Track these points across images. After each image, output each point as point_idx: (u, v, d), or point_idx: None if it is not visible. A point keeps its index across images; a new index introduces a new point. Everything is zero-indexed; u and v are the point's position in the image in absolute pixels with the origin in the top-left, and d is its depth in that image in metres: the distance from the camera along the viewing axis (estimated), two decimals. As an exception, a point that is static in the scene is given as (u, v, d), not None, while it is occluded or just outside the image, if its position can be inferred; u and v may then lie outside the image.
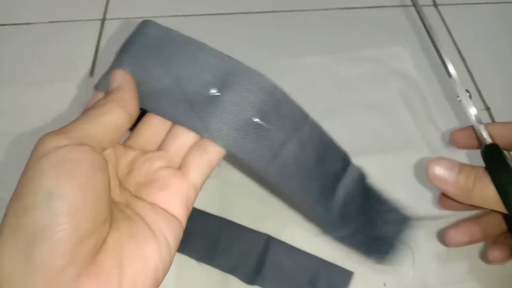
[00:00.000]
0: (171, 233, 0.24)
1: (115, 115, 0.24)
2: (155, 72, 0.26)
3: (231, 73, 0.25)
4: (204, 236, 0.32)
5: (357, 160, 0.37)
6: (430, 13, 0.49)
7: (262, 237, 0.32)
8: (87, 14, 0.46)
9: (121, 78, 0.25)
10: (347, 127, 0.39)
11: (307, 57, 0.44)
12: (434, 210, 0.35)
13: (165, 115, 0.26)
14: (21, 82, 0.41)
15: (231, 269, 0.31)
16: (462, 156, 0.38)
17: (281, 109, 0.26)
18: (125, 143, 0.27)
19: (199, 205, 0.34)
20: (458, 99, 0.32)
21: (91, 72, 0.42)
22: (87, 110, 0.24)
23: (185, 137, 0.26)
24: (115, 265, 0.21)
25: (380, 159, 0.37)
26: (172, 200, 0.25)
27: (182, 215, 0.25)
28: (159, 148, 0.27)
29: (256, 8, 0.49)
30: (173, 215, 0.24)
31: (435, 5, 0.50)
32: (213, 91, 0.25)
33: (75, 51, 0.43)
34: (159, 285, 0.23)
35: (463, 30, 0.48)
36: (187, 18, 0.47)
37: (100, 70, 0.42)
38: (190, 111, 0.25)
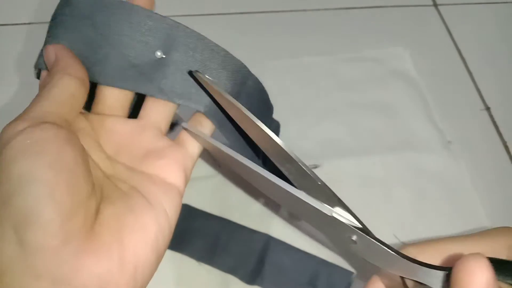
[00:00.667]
0: (169, 202, 0.24)
1: (65, 84, 0.23)
2: (94, 42, 0.25)
3: (170, 33, 0.25)
4: (204, 236, 0.32)
5: (357, 160, 0.37)
6: (430, 13, 0.49)
7: (262, 237, 0.32)
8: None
9: (54, 50, 0.25)
10: (347, 127, 0.39)
11: (307, 57, 0.44)
12: (434, 210, 0.35)
13: (114, 84, 0.25)
14: (21, 82, 0.41)
15: (231, 269, 0.31)
16: (463, 157, 0.38)
17: (227, 65, 0.26)
18: (93, 109, 0.26)
19: (199, 205, 0.34)
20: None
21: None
22: (38, 93, 0.23)
23: (165, 102, 0.26)
24: (115, 239, 0.21)
25: (380, 159, 0.37)
26: (170, 168, 0.25)
27: (180, 182, 0.25)
28: (140, 115, 0.26)
29: (256, 8, 0.49)
30: (171, 183, 0.25)
31: (435, 5, 0.50)
32: (159, 53, 0.25)
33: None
34: (161, 255, 0.23)
35: (463, 30, 0.48)
36: (187, 18, 0.47)
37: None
38: (140, 76, 0.25)
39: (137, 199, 0.23)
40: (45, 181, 0.19)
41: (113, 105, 0.26)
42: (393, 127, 0.40)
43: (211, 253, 0.32)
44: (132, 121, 0.26)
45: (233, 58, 0.26)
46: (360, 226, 0.23)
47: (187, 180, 0.26)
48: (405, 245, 0.24)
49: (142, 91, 0.25)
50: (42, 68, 0.26)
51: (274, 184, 0.24)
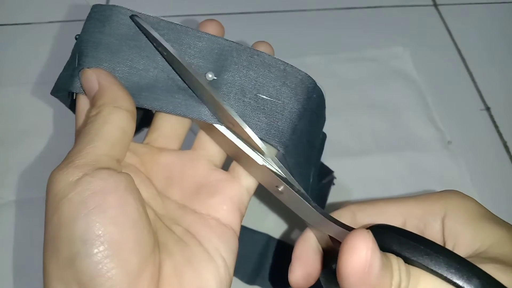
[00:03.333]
0: (227, 250, 0.22)
1: (116, 120, 0.21)
2: (140, 65, 0.23)
3: (221, 53, 0.24)
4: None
5: (357, 160, 0.37)
6: (430, 13, 0.49)
7: (262, 237, 0.32)
8: (87, 14, 0.46)
9: (96, 76, 0.22)
10: (347, 127, 0.39)
11: (307, 57, 0.44)
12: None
13: (163, 109, 0.23)
14: (21, 82, 0.41)
15: (231, 269, 0.31)
16: (464, 158, 0.38)
17: (288, 79, 0.25)
18: (146, 138, 0.25)
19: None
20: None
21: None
22: (83, 128, 0.21)
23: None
24: None
25: (380, 159, 0.37)
26: (225, 207, 0.23)
27: (236, 223, 0.23)
28: (194, 147, 0.25)
29: (256, 8, 0.49)
30: (226, 225, 0.23)
31: (435, 5, 0.50)
32: (210, 76, 0.24)
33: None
34: None
35: (463, 30, 0.48)
36: (187, 18, 0.47)
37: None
38: (190, 99, 0.23)
39: (194, 248, 0.21)
40: (110, 240, 0.18)
41: (169, 134, 0.24)
42: (393, 127, 0.40)
43: (211, 253, 0.32)
44: (184, 152, 0.24)
45: (294, 70, 0.25)
46: (284, 176, 0.22)
47: (242, 218, 0.24)
48: (346, 203, 0.24)
49: (193, 117, 0.23)
50: (77, 92, 0.23)
51: (215, 129, 0.23)
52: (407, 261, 0.18)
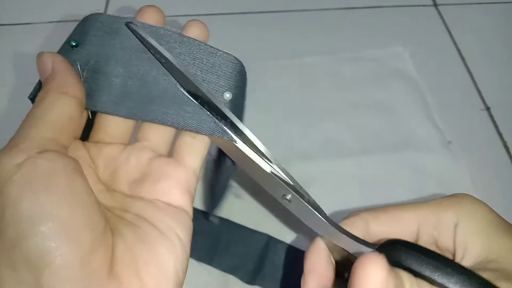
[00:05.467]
0: (181, 228, 0.22)
1: (61, 106, 0.20)
2: (150, 77, 0.23)
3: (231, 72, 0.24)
4: (204, 236, 0.32)
5: (357, 160, 0.37)
6: (430, 13, 0.49)
7: (262, 237, 0.32)
8: (87, 14, 0.46)
9: (52, 60, 0.21)
10: (347, 127, 0.39)
11: (307, 57, 0.44)
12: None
13: (174, 125, 0.23)
14: (21, 82, 0.41)
15: (231, 269, 0.31)
16: (463, 160, 0.38)
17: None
18: (92, 138, 0.24)
19: (199, 205, 0.34)
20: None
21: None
22: (29, 111, 0.20)
23: (161, 128, 0.24)
24: (134, 276, 0.19)
25: (380, 159, 0.37)
26: (173, 190, 0.23)
27: (187, 204, 0.23)
28: (138, 139, 0.25)
29: (256, 8, 0.49)
30: (177, 207, 0.23)
31: (435, 5, 0.50)
32: (228, 96, 0.23)
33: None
34: (181, 285, 0.22)
35: (463, 30, 0.48)
36: (187, 18, 0.47)
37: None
38: (200, 112, 0.23)
39: (146, 227, 0.21)
40: (60, 218, 0.17)
41: (114, 133, 0.24)
42: (393, 127, 0.40)
43: (211, 253, 0.32)
44: (129, 145, 0.24)
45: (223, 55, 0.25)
46: (292, 184, 0.22)
47: (193, 199, 0.24)
48: (358, 210, 0.24)
49: (207, 133, 0.23)
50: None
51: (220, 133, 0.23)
52: (425, 279, 0.18)
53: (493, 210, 0.22)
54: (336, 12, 0.49)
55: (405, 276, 0.18)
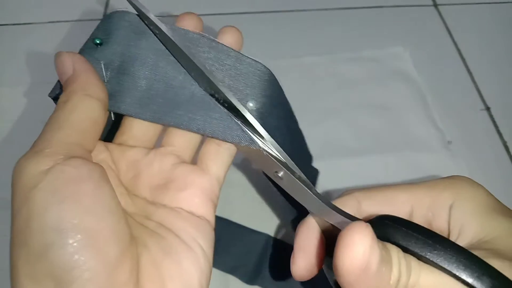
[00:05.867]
0: (204, 239, 0.21)
1: (85, 109, 0.20)
2: (177, 81, 0.23)
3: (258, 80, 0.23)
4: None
5: (357, 160, 0.37)
6: (430, 13, 0.49)
7: (262, 237, 0.32)
8: (87, 14, 0.46)
9: (72, 60, 0.21)
10: (347, 127, 0.39)
11: (307, 57, 0.44)
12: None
13: (200, 131, 0.22)
14: (21, 82, 0.41)
15: (231, 269, 0.31)
16: (463, 158, 0.38)
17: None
18: (116, 140, 0.24)
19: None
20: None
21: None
22: (52, 114, 0.20)
23: (186, 134, 0.24)
24: None
25: (380, 159, 0.37)
26: (197, 199, 0.22)
27: (210, 214, 0.22)
28: (162, 143, 0.24)
29: (256, 8, 0.49)
30: (200, 216, 0.22)
31: (435, 5, 0.50)
32: (252, 105, 0.23)
33: (76, 51, 0.43)
34: None
35: (463, 30, 0.48)
36: (187, 18, 0.47)
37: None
38: (227, 119, 0.22)
39: (170, 238, 0.20)
40: (87, 229, 0.17)
41: (139, 136, 0.23)
42: (393, 127, 0.40)
43: (211, 253, 0.32)
44: (153, 150, 0.23)
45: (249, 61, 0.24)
46: (284, 161, 0.22)
47: (215, 208, 0.23)
48: (350, 190, 0.23)
49: (234, 142, 0.22)
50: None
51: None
52: (414, 255, 0.17)
53: (490, 193, 0.21)
54: (336, 12, 0.49)
55: (393, 249, 0.17)
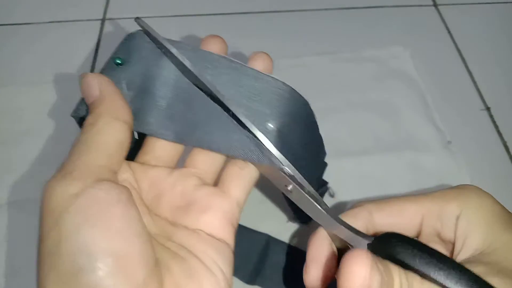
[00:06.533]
0: (224, 262, 0.22)
1: (113, 132, 0.20)
2: (196, 101, 0.23)
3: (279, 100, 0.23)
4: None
5: (357, 160, 0.37)
6: (430, 13, 0.49)
7: (262, 237, 0.32)
8: (87, 14, 0.46)
9: (98, 83, 0.21)
10: (347, 127, 0.39)
11: (307, 57, 0.44)
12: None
13: (220, 150, 0.23)
14: (21, 82, 0.41)
15: (231, 269, 0.31)
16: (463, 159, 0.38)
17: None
18: (139, 159, 0.24)
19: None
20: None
21: (91, 72, 0.42)
22: (80, 136, 0.20)
23: (209, 156, 0.24)
24: None
25: (380, 159, 0.37)
26: (217, 222, 0.22)
27: (229, 237, 0.23)
28: (186, 164, 0.24)
29: (256, 8, 0.49)
30: (220, 239, 0.22)
31: (435, 5, 0.50)
32: (271, 126, 0.23)
33: (75, 51, 0.43)
34: None
35: (463, 30, 0.48)
36: (187, 18, 0.47)
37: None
38: (246, 139, 0.22)
39: (192, 261, 0.21)
40: (117, 253, 0.17)
41: (161, 156, 0.24)
42: (393, 127, 0.40)
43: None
44: (175, 170, 0.24)
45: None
46: (293, 174, 0.22)
47: (235, 231, 0.23)
48: (362, 202, 0.23)
49: (253, 161, 0.23)
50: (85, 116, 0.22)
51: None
52: (417, 273, 0.18)
53: (499, 203, 0.21)
54: (336, 12, 0.49)
55: (395, 269, 0.18)
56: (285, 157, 0.22)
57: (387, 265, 0.18)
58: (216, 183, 0.25)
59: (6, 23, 0.46)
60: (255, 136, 0.22)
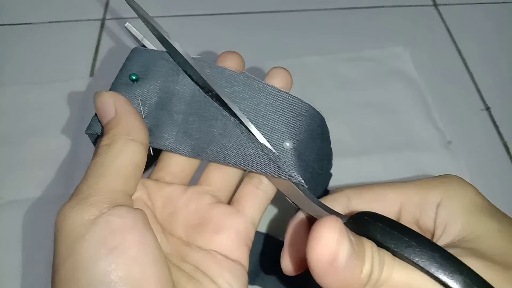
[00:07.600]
0: (239, 284, 0.21)
1: (129, 154, 0.20)
2: (210, 114, 0.23)
3: (295, 119, 0.23)
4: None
5: (357, 160, 0.37)
6: (430, 13, 0.49)
7: (261, 237, 0.32)
8: (87, 14, 0.46)
9: (114, 102, 0.21)
10: (347, 127, 0.39)
11: (307, 57, 0.44)
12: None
13: (237, 165, 0.22)
14: (21, 82, 0.41)
15: (231, 269, 0.31)
16: (463, 156, 0.38)
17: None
18: (153, 175, 0.24)
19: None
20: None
21: (91, 72, 0.42)
22: (95, 158, 0.20)
23: (229, 169, 0.24)
24: None
25: (380, 159, 0.37)
26: (232, 243, 0.22)
27: (244, 258, 0.22)
28: (200, 182, 0.24)
29: (256, 8, 0.49)
30: (234, 260, 0.22)
31: (435, 5, 0.50)
32: (288, 145, 0.23)
33: (75, 51, 0.43)
34: None
35: (463, 30, 0.48)
36: (187, 18, 0.47)
37: (100, 71, 0.42)
38: (262, 156, 0.22)
39: (208, 285, 0.20)
40: (134, 280, 0.17)
41: (176, 173, 0.23)
42: (393, 127, 0.40)
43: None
44: (189, 188, 0.23)
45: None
46: (307, 187, 0.22)
47: (249, 252, 0.23)
48: (342, 187, 0.23)
49: (269, 174, 0.22)
50: (99, 133, 0.22)
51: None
52: (389, 251, 0.18)
53: (479, 193, 0.21)
54: (336, 12, 0.49)
55: (367, 243, 0.17)
56: (302, 174, 0.22)
57: (360, 239, 0.17)
58: (230, 201, 0.24)
59: (6, 23, 0.46)
60: (271, 151, 0.22)
